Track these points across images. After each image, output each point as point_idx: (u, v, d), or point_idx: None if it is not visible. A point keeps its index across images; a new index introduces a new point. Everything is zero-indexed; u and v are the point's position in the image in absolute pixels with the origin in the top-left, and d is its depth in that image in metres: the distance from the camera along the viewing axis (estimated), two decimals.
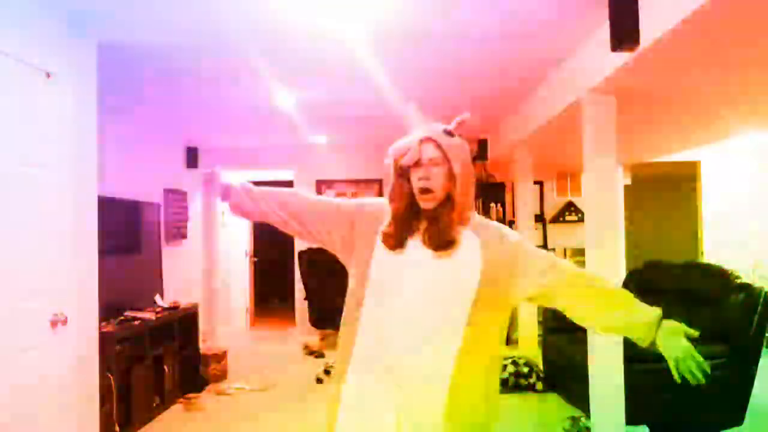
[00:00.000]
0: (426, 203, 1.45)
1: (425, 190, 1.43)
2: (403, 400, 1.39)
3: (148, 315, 4.14)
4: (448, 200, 1.45)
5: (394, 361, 1.41)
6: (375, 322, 1.45)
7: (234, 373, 5.29)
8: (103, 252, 3.09)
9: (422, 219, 1.47)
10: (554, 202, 7.15)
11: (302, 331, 6.68)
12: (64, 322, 2.59)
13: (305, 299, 5.63)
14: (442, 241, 1.42)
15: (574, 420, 3.75)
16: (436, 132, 1.47)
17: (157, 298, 4.66)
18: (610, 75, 2.88)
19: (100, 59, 3.05)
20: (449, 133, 1.48)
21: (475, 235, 1.46)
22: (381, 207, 1.56)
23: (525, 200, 5.69)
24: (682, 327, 1.43)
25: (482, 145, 6.46)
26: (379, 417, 1.41)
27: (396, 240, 1.46)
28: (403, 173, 1.48)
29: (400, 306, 1.42)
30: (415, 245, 1.45)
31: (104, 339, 3.29)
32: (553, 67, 3.76)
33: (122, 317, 3.96)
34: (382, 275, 1.47)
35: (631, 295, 1.52)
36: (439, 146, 1.45)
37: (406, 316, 1.42)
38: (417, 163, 1.44)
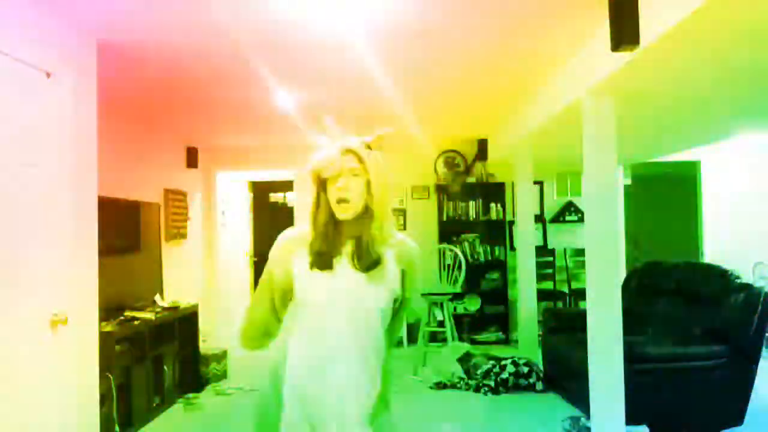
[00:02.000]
0: (343, 213, 1.43)
1: (342, 200, 1.42)
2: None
3: (148, 315, 4.14)
4: (367, 213, 1.44)
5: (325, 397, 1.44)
6: (307, 349, 1.46)
7: (234, 373, 5.29)
8: (103, 252, 3.09)
9: (345, 237, 1.46)
10: (554, 203, 7.14)
11: None
12: (64, 322, 2.58)
13: None
14: (369, 261, 1.42)
15: (574, 420, 3.75)
16: (355, 144, 1.47)
17: (157, 297, 4.66)
18: (610, 75, 2.88)
19: (100, 59, 3.05)
20: (368, 146, 1.48)
21: (392, 251, 1.48)
22: (298, 232, 1.54)
23: (525, 200, 5.69)
24: None
25: (482, 145, 6.46)
26: None
27: (321, 258, 1.44)
28: (322, 185, 1.46)
29: (335, 335, 1.43)
30: (343, 266, 1.44)
31: (104, 339, 3.28)
32: (553, 67, 3.76)
33: (122, 317, 3.96)
34: (309, 298, 1.45)
35: None
36: (359, 158, 1.44)
37: (339, 347, 1.43)
38: (336, 175, 1.43)
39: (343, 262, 1.44)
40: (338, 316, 1.43)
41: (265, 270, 1.56)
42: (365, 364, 1.44)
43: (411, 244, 1.54)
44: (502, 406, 4.35)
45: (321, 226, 1.46)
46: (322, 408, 1.43)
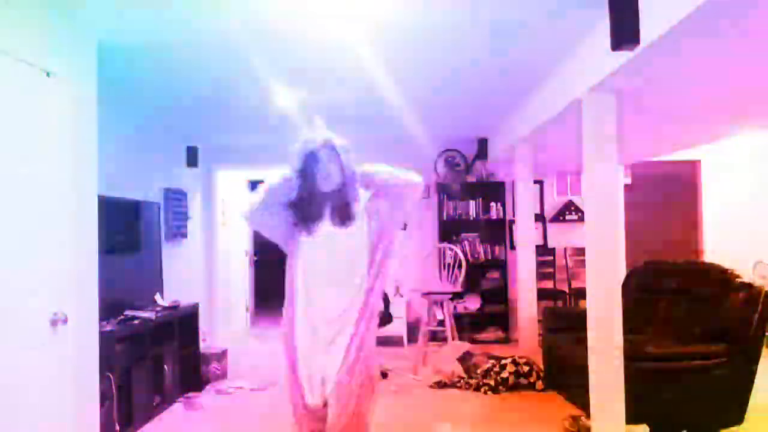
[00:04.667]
0: (326, 187, 2.11)
1: (326, 176, 2.09)
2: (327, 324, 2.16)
3: (148, 314, 4.14)
4: (343, 186, 2.11)
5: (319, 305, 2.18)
6: (305, 299, 2.19)
7: (234, 373, 5.29)
8: (103, 252, 3.09)
9: (326, 205, 2.14)
10: (554, 202, 7.15)
11: None
12: (64, 321, 2.59)
13: None
14: (345, 219, 2.12)
15: (575, 419, 3.75)
16: (330, 138, 2.14)
17: (157, 297, 4.66)
18: (610, 75, 2.88)
19: (100, 59, 3.05)
20: (338, 139, 2.15)
21: (363, 205, 2.17)
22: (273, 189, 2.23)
23: (525, 199, 5.69)
24: None
25: (482, 144, 6.46)
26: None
27: (308, 220, 2.15)
28: (307, 166, 2.12)
29: (323, 279, 2.15)
30: (326, 225, 2.14)
31: (104, 338, 3.28)
32: (553, 67, 3.76)
33: (122, 316, 3.96)
34: (301, 256, 2.19)
35: None
36: (333, 147, 2.11)
37: (327, 286, 2.16)
38: (319, 159, 2.10)
39: (327, 223, 2.14)
40: (325, 271, 2.16)
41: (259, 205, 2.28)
42: (351, 301, 2.15)
43: (372, 171, 2.17)
44: (502, 405, 4.35)
45: (307, 197, 2.13)
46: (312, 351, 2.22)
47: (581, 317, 3.41)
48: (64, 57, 2.73)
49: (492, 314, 6.73)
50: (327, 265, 2.11)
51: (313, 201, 2.10)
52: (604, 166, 3.23)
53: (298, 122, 5.35)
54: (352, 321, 2.10)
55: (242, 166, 7.22)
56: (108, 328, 3.60)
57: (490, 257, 6.80)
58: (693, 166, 6.91)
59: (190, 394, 4.64)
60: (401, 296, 6.64)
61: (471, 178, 6.83)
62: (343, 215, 2.10)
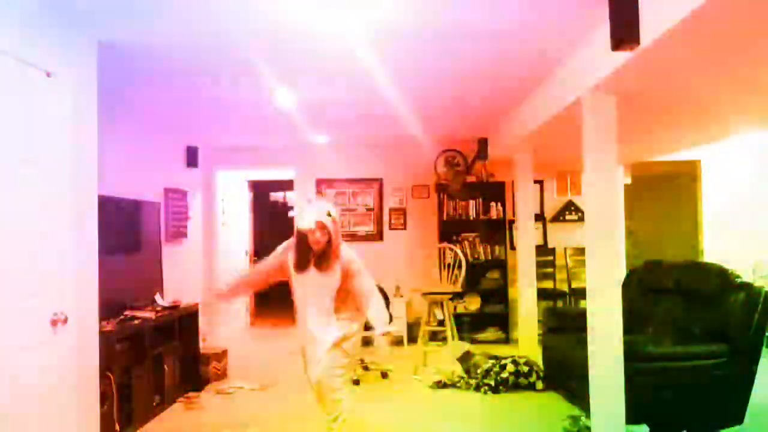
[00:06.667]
0: (316, 247, 2.96)
1: (316, 242, 2.93)
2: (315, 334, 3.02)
3: (149, 314, 4.14)
4: (327, 245, 2.94)
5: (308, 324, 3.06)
6: (300, 311, 3.10)
7: (234, 373, 5.29)
8: (103, 252, 3.09)
9: (313, 256, 2.98)
10: (554, 202, 7.14)
11: None
12: (64, 321, 2.59)
13: None
14: (324, 267, 2.96)
15: (575, 419, 3.75)
16: (321, 215, 2.90)
17: (158, 297, 4.66)
18: (610, 75, 2.88)
19: (100, 59, 3.05)
20: (328, 214, 2.92)
21: (339, 263, 2.98)
22: (288, 245, 3.11)
23: (525, 200, 5.69)
24: None
25: (482, 144, 6.46)
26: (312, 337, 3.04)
27: (300, 267, 3.02)
28: (302, 234, 2.97)
29: (307, 300, 3.05)
30: (311, 270, 2.99)
31: (104, 338, 3.29)
32: (553, 67, 3.76)
33: (122, 316, 3.96)
34: (297, 286, 3.08)
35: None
36: (322, 223, 2.90)
37: (310, 306, 3.04)
38: (311, 230, 2.91)
39: (312, 268, 2.99)
40: (309, 296, 3.04)
41: (272, 254, 3.19)
42: (324, 316, 3.01)
43: (348, 257, 3.02)
44: (502, 405, 4.35)
45: (303, 253, 3.00)
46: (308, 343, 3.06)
47: (581, 317, 3.41)
48: (64, 57, 2.73)
49: (492, 314, 6.73)
50: (311, 297, 3.04)
51: (306, 256, 3.00)
52: (604, 166, 3.24)
53: (297, 123, 5.36)
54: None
55: (242, 166, 7.22)
56: (108, 328, 3.61)
57: (490, 257, 6.80)
58: (693, 165, 6.91)
59: (190, 394, 4.64)
60: (401, 296, 6.64)
61: (471, 178, 6.83)
62: (322, 265, 2.96)
